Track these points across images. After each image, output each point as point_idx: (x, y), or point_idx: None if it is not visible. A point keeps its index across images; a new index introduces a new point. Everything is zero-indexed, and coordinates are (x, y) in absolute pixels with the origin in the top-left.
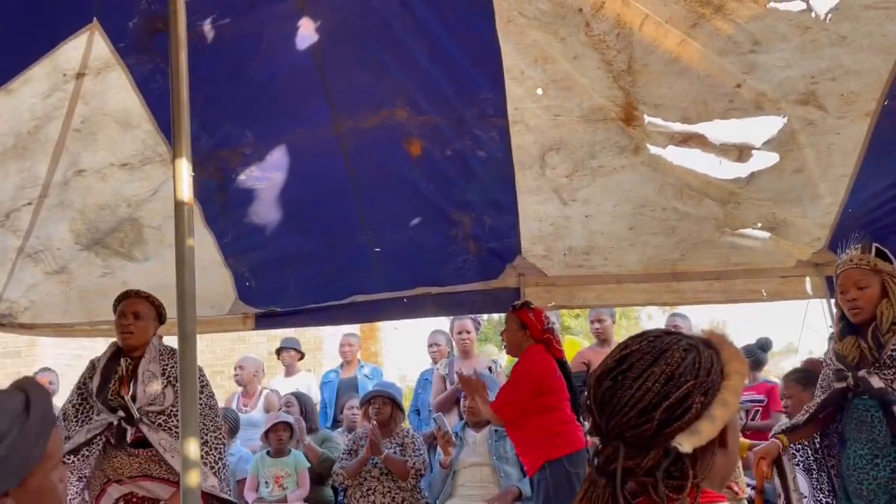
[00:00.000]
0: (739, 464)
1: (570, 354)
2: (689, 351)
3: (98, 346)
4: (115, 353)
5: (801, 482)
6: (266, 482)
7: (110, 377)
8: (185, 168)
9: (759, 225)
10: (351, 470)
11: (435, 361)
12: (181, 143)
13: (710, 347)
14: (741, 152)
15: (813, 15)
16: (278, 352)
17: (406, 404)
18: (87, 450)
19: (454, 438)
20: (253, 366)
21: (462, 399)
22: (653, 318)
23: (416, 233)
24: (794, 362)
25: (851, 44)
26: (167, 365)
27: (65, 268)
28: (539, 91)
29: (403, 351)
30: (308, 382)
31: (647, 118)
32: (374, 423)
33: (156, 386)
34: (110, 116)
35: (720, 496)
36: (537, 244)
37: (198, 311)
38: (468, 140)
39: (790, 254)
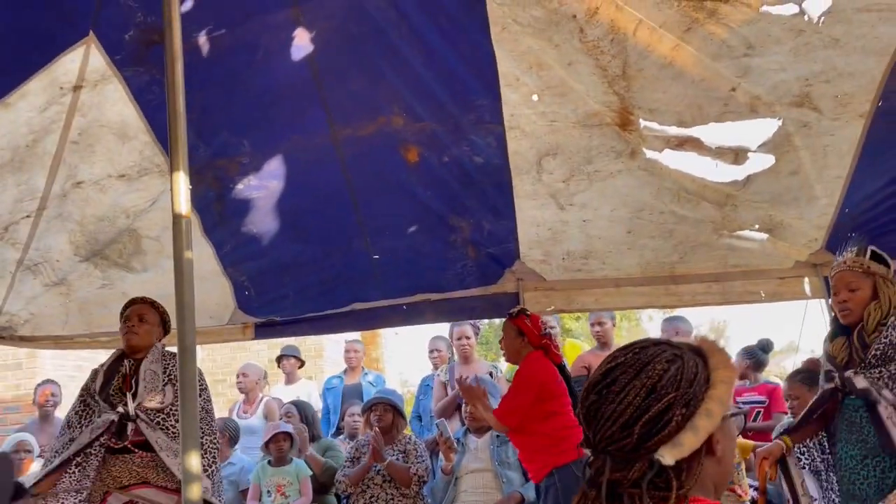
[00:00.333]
0: (742, 466)
1: (570, 358)
2: (672, 362)
3: (99, 358)
4: (119, 357)
5: (811, 485)
6: (268, 491)
7: (113, 377)
8: (182, 181)
9: (757, 227)
10: (354, 477)
11: (436, 367)
12: (178, 155)
13: (698, 355)
14: (737, 155)
15: (806, 18)
16: (278, 360)
17: (408, 410)
18: (86, 459)
19: (456, 444)
20: (255, 373)
21: (463, 405)
22: (654, 320)
23: (415, 239)
24: (795, 361)
25: (844, 46)
26: (168, 365)
27: (64, 280)
28: (535, 97)
29: (405, 357)
30: (309, 390)
31: (642, 122)
32: (377, 430)
33: (157, 384)
34: (108, 128)
35: (713, 503)
36: (535, 249)
37: (198, 322)
38: (465, 146)
39: (788, 255)
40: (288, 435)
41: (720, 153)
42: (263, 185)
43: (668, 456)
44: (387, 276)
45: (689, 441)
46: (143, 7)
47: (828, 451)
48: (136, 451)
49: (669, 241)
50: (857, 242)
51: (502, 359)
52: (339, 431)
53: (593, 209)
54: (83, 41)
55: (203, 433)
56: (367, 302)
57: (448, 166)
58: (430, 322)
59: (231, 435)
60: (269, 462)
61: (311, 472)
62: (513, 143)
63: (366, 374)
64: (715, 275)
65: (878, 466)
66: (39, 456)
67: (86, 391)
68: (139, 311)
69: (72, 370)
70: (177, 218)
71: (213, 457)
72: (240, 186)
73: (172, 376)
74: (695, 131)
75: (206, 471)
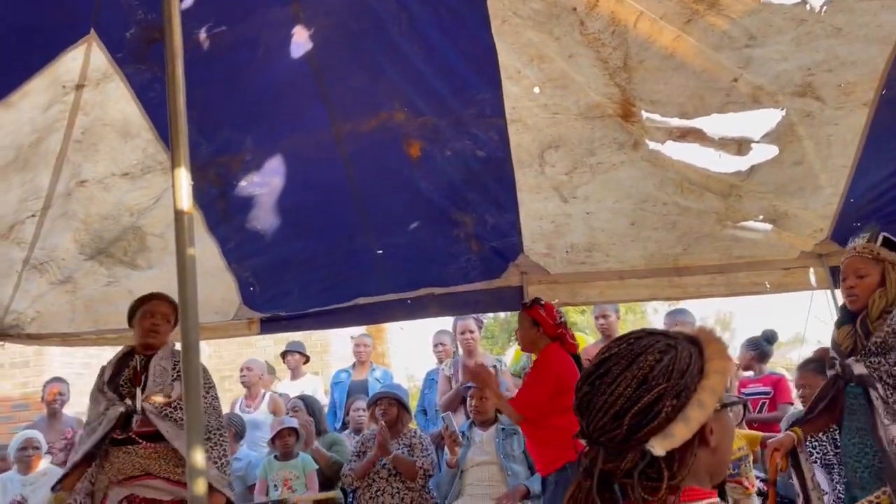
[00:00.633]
0: (750, 458)
1: None
2: (665, 353)
3: (106, 355)
4: (129, 352)
5: (821, 478)
6: (275, 485)
7: (122, 371)
8: (184, 177)
9: (761, 217)
10: (360, 471)
11: (440, 361)
12: (179, 151)
13: (694, 345)
14: (740, 146)
15: (808, 7)
16: (283, 355)
17: (413, 405)
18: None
19: (461, 438)
20: (259, 368)
21: (469, 399)
22: (659, 312)
23: (418, 234)
24: (801, 353)
25: (847, 35)
26: (178, 361)
27: (70, 278)
28: (536, 90)
29: (410, 352)
30: (314, 385)
31: (644, 114)
32: (382, 424)
33: (166, 379)
34: (110, 126)
35: (709, 492)
36: (539, 242)
37: (203, 318)
38: (467, 140)
39: (793, 245)
40: (293, 430)
41: (723, 144)
42: (266, 182)
43: (658, 447)
44: (390, 271)
45: (680, 432)
46: (144, 5)
47: (839, 445)
48: (141, 441)
49: (673, 233)
50: (869, 229)
51: (507, 353)
52: (344, 426)
53: (596, 201)
54: (84, 39)
55: (211, 429)
56: (371, 296)
57: (450, 160)
58: (434, 316)
59: (237, 430)
60: (276, 457)
61: (317, 467)
62: (515, 137)
63: (373, 369)
64: (719, 266)
65: (878, 455)
66: (48, 452)
67: (96, 389)
68: (161, 309)
69: (79, 368)
70: (179, 214)
71: (224, 450)
72: (242, 183)
73: (181, 372)
74: (697, 122)
75: (216, 462)
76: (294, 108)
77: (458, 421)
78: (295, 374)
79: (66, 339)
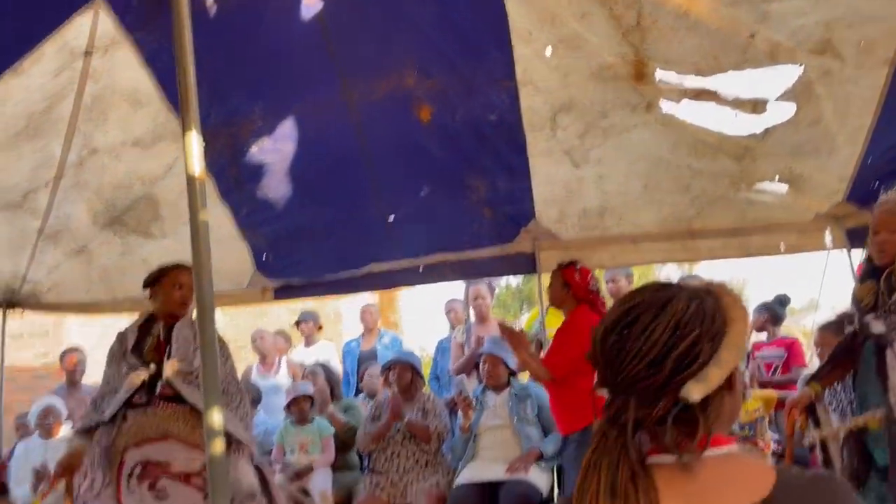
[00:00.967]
0: (766, 419)
1: None
2: (692, 299)
3: (123, 324)
4: (148, 320)
5: (835, 425)
6: (291, 449)
7: (146, 338)
8: (195, 141)
9: (776, 179)
10: (374, 435)
11: (452, 328)
12: (190, 116)
13: (710, 295)
14: (756, 106)
15: None
16: (297, 324)
17: (425, 373)
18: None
19: (474, 402)
20: (270, 336)
21: (482, 364)
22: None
23: (430, 199)
24: (815, 318)
25: None
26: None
27: (85, 247)
28: (548, 51)
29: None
30: (329, 351)
31: (658, 74)
32: (396, 389)
33: (189, 347)
34: (120, 94)
35: (728, 439)
36: (551, 207)
37: (217, 286)
38: (478, 104)
39: (808, 208)
40: (308, 396)
41: (738, 104)
42: (277, 149)
43: (695, 392)
44: (402, 237)
45: (715, 376)
46: None
47: (853, 393)
48: (160, 402)
49: (687, 196)
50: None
51: (520, 320)
52: (358, 392)
53: (609, 165)
54: (91, 4)
55: (232, 394)
56: (384, 263)
57: (461, 125)
58: (446, 281)
59: (252, 397)
60: (292, 422)
61: (332, 431)
62: (526, 100)
63: (382, 335)
64: (733, 229)
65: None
66: (68, 418)
67: (116, 352)
68: (188, 279)
69: (98, 338)
70: (191, 179)
71: (246, 409)
72: (254, 150)
73: (198, 332)
74: (712, 82)
75: (243, 421)
76: (304, 73)
77: (471, 386)
78: (309, 342)
79: (83, 309)
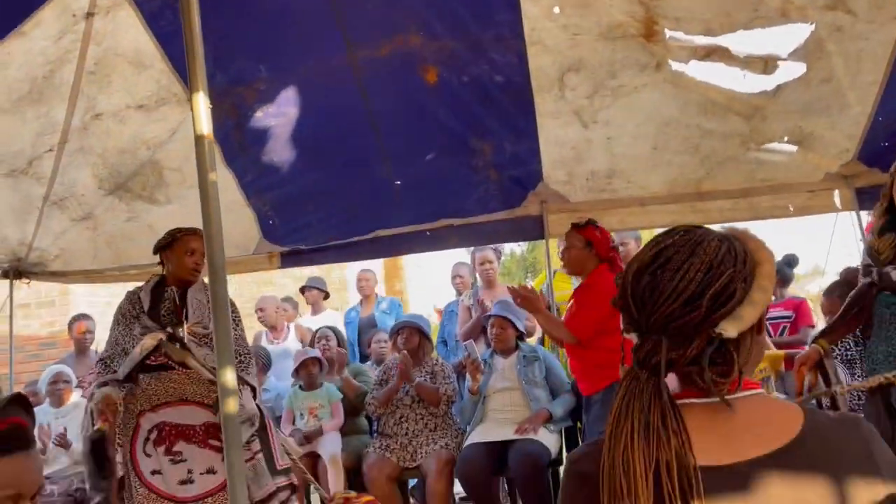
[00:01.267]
0: (773, 379)
1: None
2: (722, 241)
3: None
4: (159, 283)
5: (842, 375)
6: (301, 414)
7: (160, 302)
8: (202, 101)
9: (786, 139)
10: (383, 398)
11: (459, 293)
12: (196, 76)
13: (737, 239)
14: (766, 64)
15: None
16: (302, 290)
17: (433, 338)
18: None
19: (482, 365)
20: (272, 304)
21: (489, 328)
22: None
23: (437, 163)
24: (821, 284)
25: None
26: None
27: (90, 214)
28: (556, 10)
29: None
30: (335, 320)
31: (668, 33)
32: (405, 352)
33: (203, 311)
34: (123, 57)
35: (755, 383)
36: (559, 169)
37: (225, 252)
38: (485, 64)
39: (818, 167)
40: (316, 360)
41: (749, 62)
42: (282, 112)
43: (730, 329)
44: (409, 202)
45: (749, 314)
46: None
47: (861, 343)
48: (176, 367)
49: (696, 157)
50: None
51: (527, 283)
52: (364, 359)
53: (618, 125)
54: None
55: (242, 354)
56: (390, 228)
57: (468, 86)
58: (454, 247)
59: (263, 362)
60: (301, 387)
61: (341, 396)
62: (534, 60)
63: (380, 302)
64: (743, 190)
65: None
66: (78, 386)
67: (127, 313)
68: (201, 245)
69: (104, 306)
70: (199, 139)
71: (254, 375)
72: (258, 114)
73: (210, 293)
74: (722, 40)
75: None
76: (308, 34)
77: (479, 350)
78: (315, 310)
79: (90, 276)
